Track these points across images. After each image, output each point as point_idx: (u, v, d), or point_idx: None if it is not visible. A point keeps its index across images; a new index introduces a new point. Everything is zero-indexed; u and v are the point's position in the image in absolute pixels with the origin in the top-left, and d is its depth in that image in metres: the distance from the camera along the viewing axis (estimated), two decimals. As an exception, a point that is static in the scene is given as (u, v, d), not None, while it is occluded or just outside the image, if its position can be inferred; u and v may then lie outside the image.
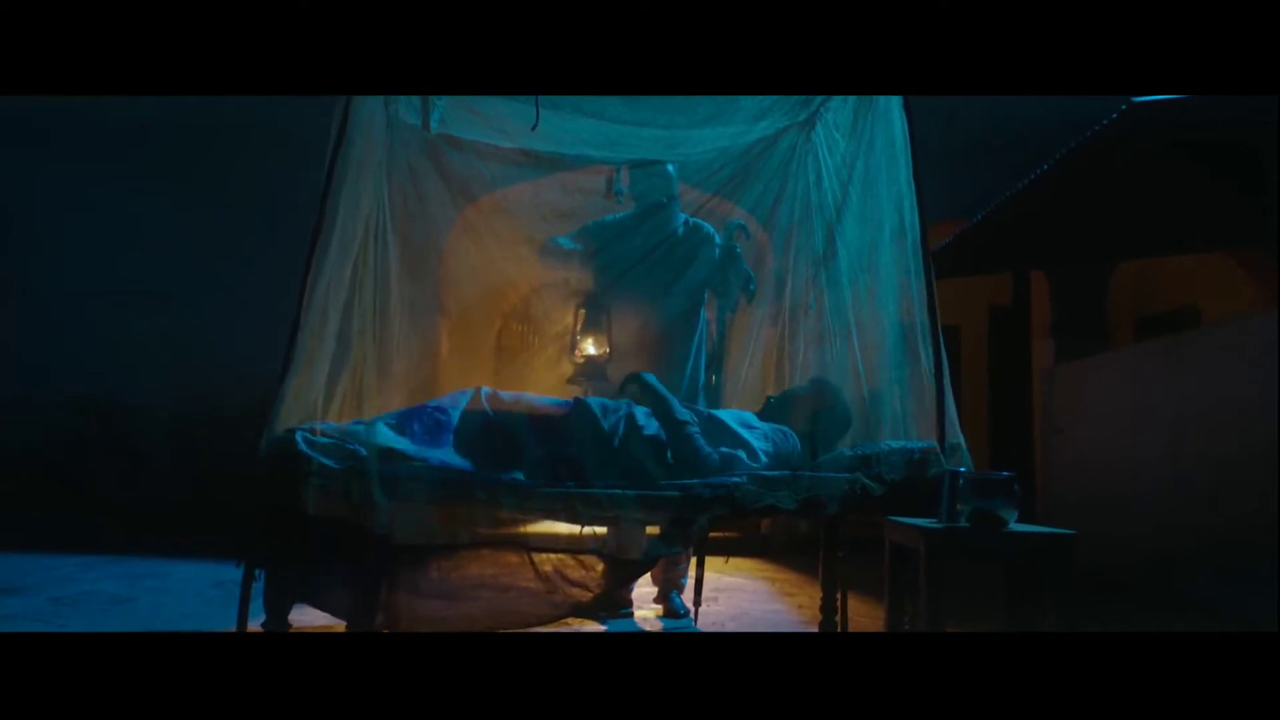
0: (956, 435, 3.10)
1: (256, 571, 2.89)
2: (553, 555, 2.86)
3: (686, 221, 4.20)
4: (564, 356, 4.02)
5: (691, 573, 4.03)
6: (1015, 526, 2.60)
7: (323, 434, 2.96)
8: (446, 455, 3.15)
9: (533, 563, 2.83)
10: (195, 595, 4.51)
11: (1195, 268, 7.83)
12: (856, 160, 3.54)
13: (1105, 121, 5.32)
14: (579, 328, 3.96)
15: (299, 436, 2.91)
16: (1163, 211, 6.22)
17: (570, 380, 3.94)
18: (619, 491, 2.92)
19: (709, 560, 4.16)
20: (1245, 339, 4.84)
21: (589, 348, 3.94)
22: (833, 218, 3.78)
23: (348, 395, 3.16)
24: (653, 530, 3.76)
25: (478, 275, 4.26)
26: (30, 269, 7.42)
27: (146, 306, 7.26)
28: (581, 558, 2.84)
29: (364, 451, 2.98)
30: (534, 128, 3.24)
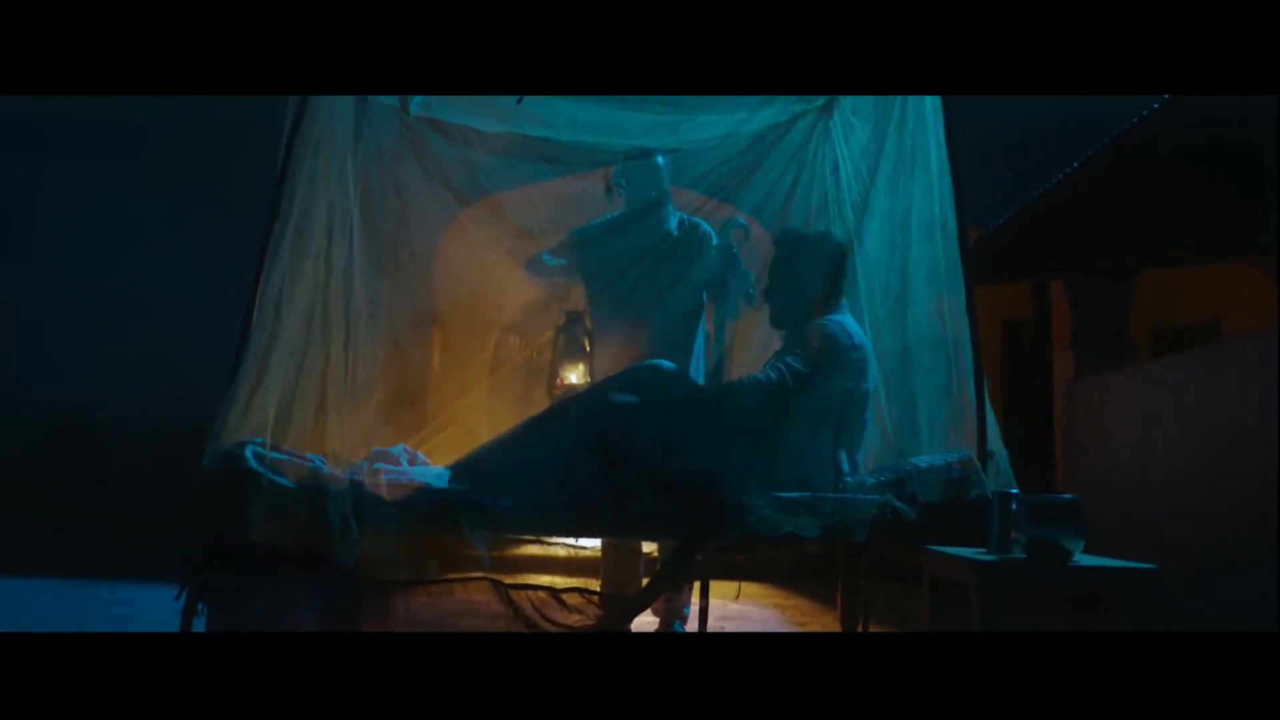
0: (999, 448, 2.70)
1: (200, 606, 2.48)
2: (540, 592, 2.43)
3: (682, 221, 3.73)
4: (543, 386, 3.54)
5: (695, 600, 3.59)
6: (1081, 559, 2.18)
7: (277, 448, 2.55)
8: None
9: (510, 600, 2.39)
10: (153, 625, 4.08)
11: (1217, 279, 7.42)
12: (883, 148, 3.12)
13: (1133, 121, 4.99)
14: (559, 354, 3.51)
15: (249, 451, 2.50)
16: (1189, 217, 5.88)
17: None
18: (619, 516, 2.52)
19: (715, 585, 3.71)
20: (1275, 349, 4.44)
21: (570, 377, 3.48)
22: (854, 212, 3.36)
23: (310, 404, 2.73)
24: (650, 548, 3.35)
25: (470, 280, 3.85)
26: (14, 275, 7.03)
27: (130, 314, 6.87)
28: (566, 594, 2.41)
29: (325, 468, 2.58)
30: (519, 101, 2.83)
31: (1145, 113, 4.96)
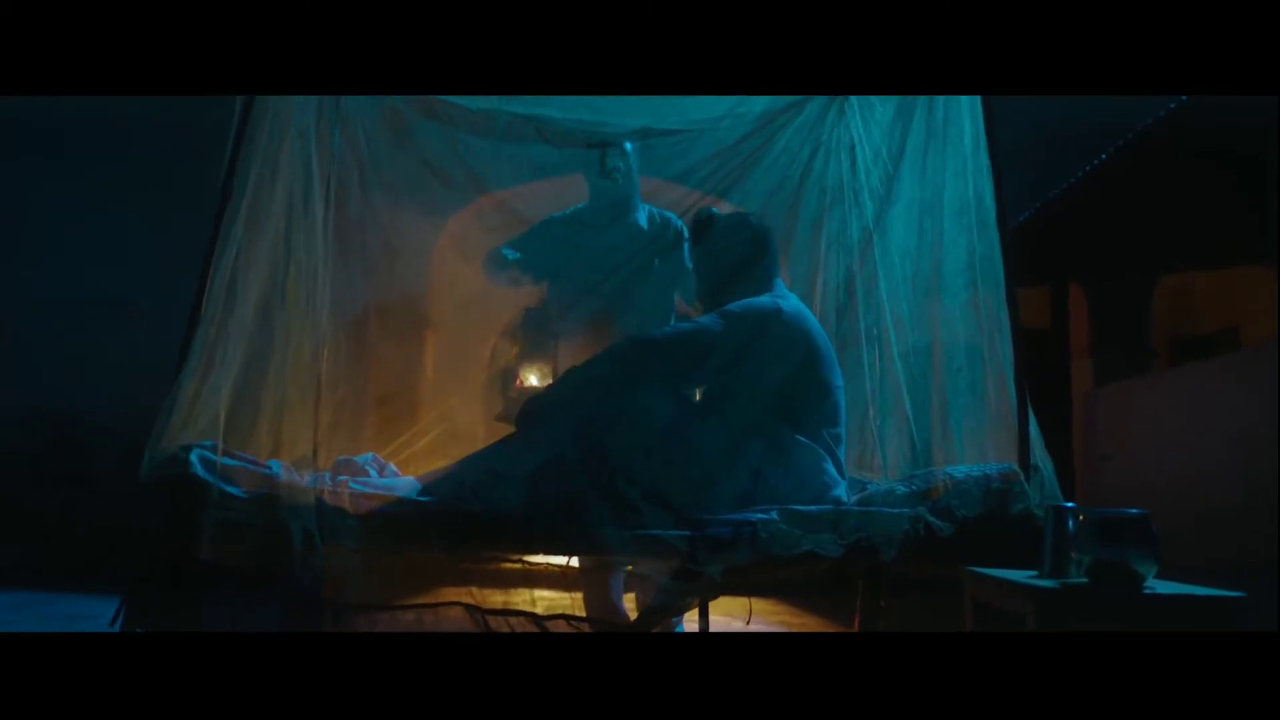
0: (1043, 459, 2.36)
1: (139, 631, 2.17)
2: (521, 618, 2.09)
3: (652, 215, 3.34)
4: (497, 389, 3.12)
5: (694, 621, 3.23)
6: (1155, 584, 1.83)
7: (229, 453, 2.22)
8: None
9: (488, 628, 2.06)
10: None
11: (1235, 285, 7.14)
12: (911, 124, 2.78)
13: (1149, 122, 4.77)
14: (519, 354, 3.11)
15: (195, 456, 2.17)
16: (1208, 221, 5.67)
17: (503, 419, 2.94)
18: (615, 533, 2.21)
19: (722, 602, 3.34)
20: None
21: (531, 378, 3.09)
22: (872, 199, 3.03)
23: (267, 403, 2.39)
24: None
25: (465, 282, 3.52)
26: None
27: (110, 316, 6.56)
28: (551, 621, 2.07)
29: (281, 475, 2.24)
30: None
31: (1162, 113, 4.77)
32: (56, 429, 6.54)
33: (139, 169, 6.85)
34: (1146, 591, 1.79)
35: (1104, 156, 5.32)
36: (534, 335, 3.04)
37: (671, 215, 3.29)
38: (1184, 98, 4.66)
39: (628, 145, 3.21)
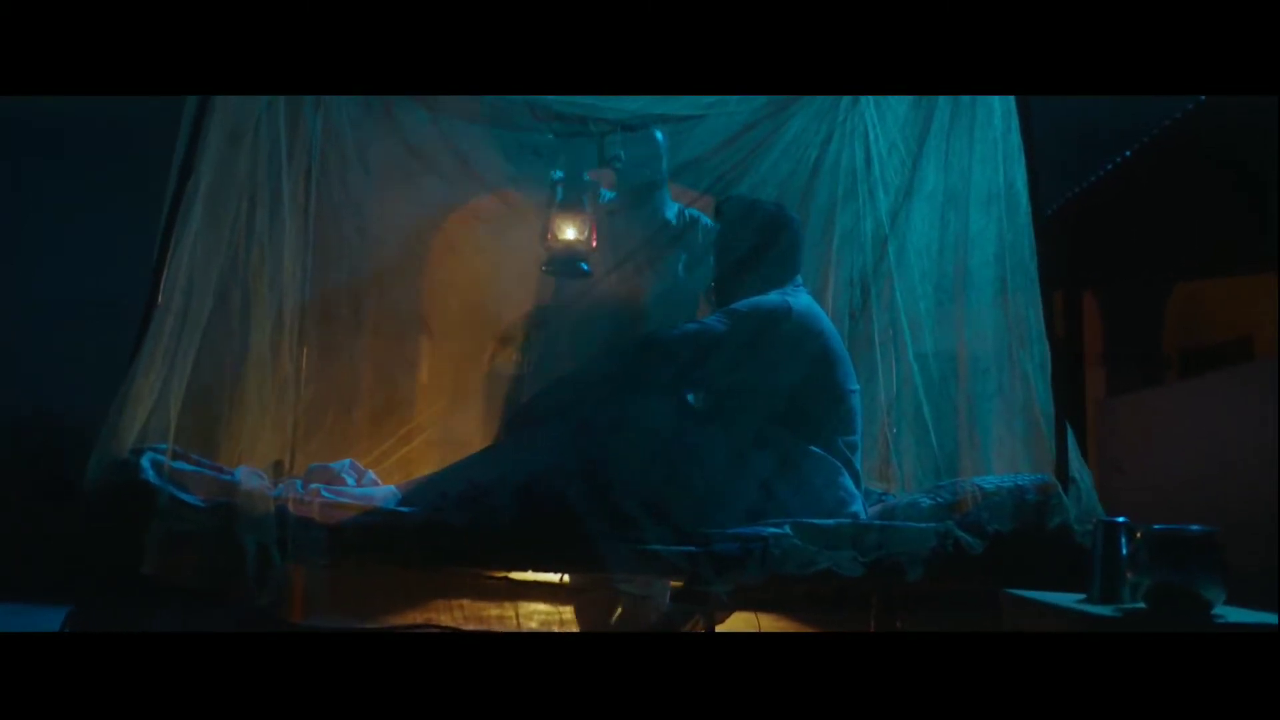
0: (1080, 469, 2.12)
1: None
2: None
3: (681, 211, 3.09)
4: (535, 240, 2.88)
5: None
6: (1225, 612, 1.58)
7: (183, 457, 1.98)
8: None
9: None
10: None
11: (1247, 294, 6.91)
12: (935, 107, 2.54)
13: (1164, 125, 4.59)
14: (555, 206, 2.84)
15: (146, 460, 1.93)
16: (1222, 226, 5.41)
17: (544, 269, 2.83)
18: (611, 548, 2.02)
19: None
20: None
21: (567, 231, 2.82)
22: (887, 192, 2.79)
23: (228, 404, 2.15)
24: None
25: (462, 285, 3.31)
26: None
27: (109, 317, 6.35)
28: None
29: (243, 481, 2.00)
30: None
31: (1179, 114, 4.58)
32: (47, 432, 6.36)
33: (139, 169, 6.66)
34: (1217, 620, 1.53)
35: (1118, 161, 5.12)
36: (571, 191, 2.81)
37: (700, 214, 3.04)
38: (1202, 98, 4.49)
39: (658, 134, 2.96)
